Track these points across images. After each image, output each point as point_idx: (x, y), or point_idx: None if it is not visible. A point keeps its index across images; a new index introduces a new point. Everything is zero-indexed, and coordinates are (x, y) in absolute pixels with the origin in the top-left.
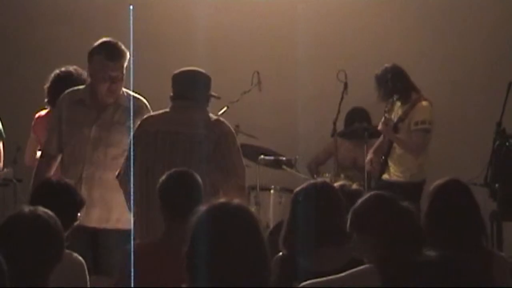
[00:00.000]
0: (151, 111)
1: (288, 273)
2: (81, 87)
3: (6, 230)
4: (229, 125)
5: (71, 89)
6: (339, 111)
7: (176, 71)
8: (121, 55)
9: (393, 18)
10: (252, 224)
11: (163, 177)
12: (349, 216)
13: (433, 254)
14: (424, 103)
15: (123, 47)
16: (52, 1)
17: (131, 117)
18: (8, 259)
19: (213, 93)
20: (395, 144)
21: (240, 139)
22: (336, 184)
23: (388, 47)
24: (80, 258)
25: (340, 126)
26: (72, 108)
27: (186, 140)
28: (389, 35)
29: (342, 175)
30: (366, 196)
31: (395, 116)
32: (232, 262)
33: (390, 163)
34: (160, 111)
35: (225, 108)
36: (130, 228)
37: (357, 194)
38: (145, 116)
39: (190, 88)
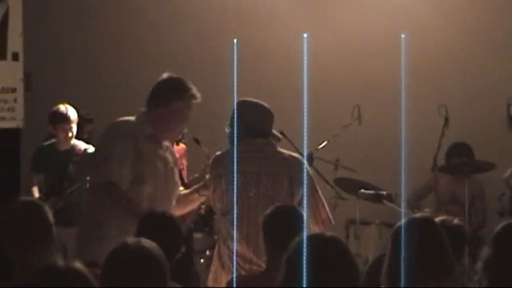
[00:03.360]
0: None
1: None
2: (133, 119)
3: (111, 262)
4: (303, 160)
5: (129, 119)
6: (439, 146)
7: (247, 102)
8: None
9: (493, 51)
10: (346, 254)
11: (269, 210)
12: None
13: None
14: None
15: None
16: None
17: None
18: None
19: (274, 131)
20: None
21: (340, 173)
22: (437, 219)
23: (488, 80)
24: None
25: (441, 161)
26: (144, 142)
27: (269, 179)
28: (489, 68)
29: (443, 210)
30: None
31: None
32: None
33: None
34: (236, 150)
35: (325, 142)
36: None
37: (458, 229)
38: (218, 154)
39: (268, 124)
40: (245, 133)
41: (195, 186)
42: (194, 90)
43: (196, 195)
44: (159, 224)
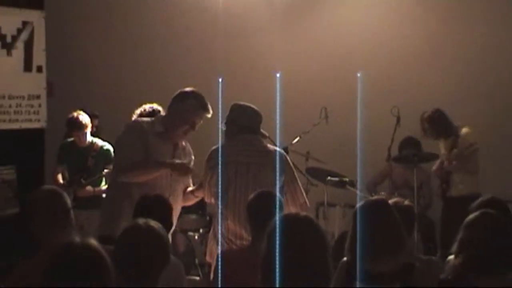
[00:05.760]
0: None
1: (351, 274)
2: (150, 119)
3: (125, 238)
4: (286, 154)
5: (145, 119)
6: (392, 140)
7: (241, 105)
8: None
9: (438, 56)
10: (317, 231)
11: (252, 195)
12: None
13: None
14: (464, 129)
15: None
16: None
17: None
18: (126, 264)
19: (262, 130)
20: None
21: (311, 163)
22: (390, 201)
23: (433, 84)
24: (178, 260)
25: (394, 152)
26: (153, 138)
27: (257, 168)
28: (435, 74)
29: (396, 194)
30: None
31: (444, 149)
32: (300, 263)
33: (452, 183)
34: (230, 143)
35: (298, 138)
36: None
37: (408, 209)
38: (214, 148)
39: (257, 123)
40: (238, 130)
41: (191, 188)
42: (203, 99)
43: (192, 195)
44: (153, 205)
